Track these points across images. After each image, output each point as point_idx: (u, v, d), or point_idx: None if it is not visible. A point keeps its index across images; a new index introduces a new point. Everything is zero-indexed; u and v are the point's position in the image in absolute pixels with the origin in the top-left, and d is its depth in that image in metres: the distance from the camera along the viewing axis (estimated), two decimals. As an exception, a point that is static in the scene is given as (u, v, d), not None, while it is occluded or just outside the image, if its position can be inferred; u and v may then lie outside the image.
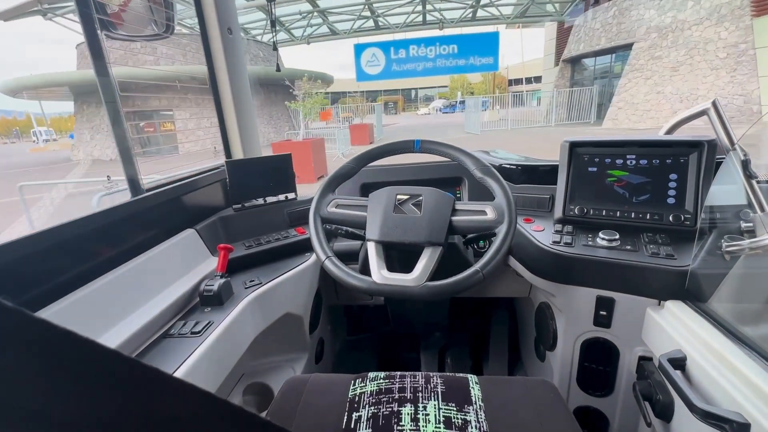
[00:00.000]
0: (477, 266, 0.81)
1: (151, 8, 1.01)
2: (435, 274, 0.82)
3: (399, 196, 0.92)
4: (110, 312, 0.74)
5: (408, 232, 0.86)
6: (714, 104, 0.88)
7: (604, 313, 0.91)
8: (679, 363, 0.69)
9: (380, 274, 0.82)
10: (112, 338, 0.69)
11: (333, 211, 0.96)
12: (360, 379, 0.80)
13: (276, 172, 1.27)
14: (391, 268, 0.85)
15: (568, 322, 1.00)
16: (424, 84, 55.28)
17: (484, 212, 0.86)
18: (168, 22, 1.04)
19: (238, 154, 1.36)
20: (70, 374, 0.16)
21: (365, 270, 0.93)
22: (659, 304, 0.83)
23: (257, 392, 1.13)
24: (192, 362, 0.68)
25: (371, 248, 0.87)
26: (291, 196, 1.31)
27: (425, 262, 0.82)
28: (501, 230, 0.83)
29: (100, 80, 0.88)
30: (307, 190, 1.36)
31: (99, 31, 0.86)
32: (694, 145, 0.92)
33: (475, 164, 0.92)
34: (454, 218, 0.87)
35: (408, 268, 0.83)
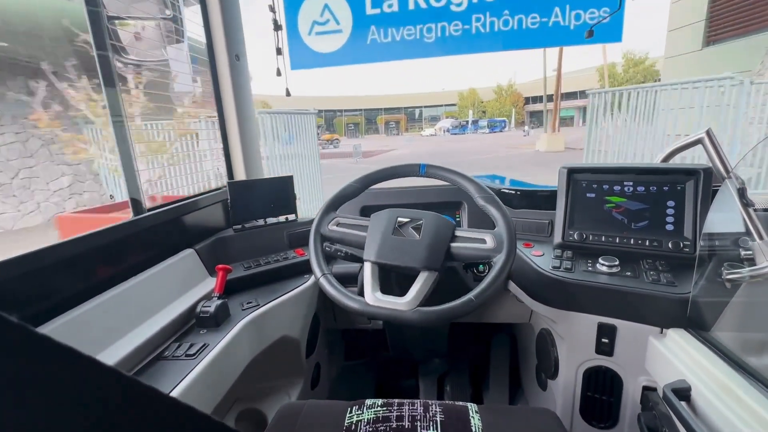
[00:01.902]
0: (471, 294, 0.80)
1: (162, 35, 1.05)
2: (432, 298, 0.81)
3: (400, 219, 0.92)
4: (105, 332, 0.73)
5: (405, 255, 0.85)
6: (708, 133, 0.91)
7: (606, 340, 0.90)
8: (684, 394, 0.67)
9: (373, 296, 0.81)
10: (105, 359, 0.68)
11: (334, 229, 0.95)
12: (357, 407, 0.78)
13: (277, 193, 1.28)
14: (388, 290, 0.84)
15: (569, 349, 0.98)
16: (428, 102, 52.44)
17: (483, 240, 0.85)
18: (179, 48, 1.08)
19: (240, 175, 1.38)
20: (70, 390, 0.16)
21: (363, 292, 0.93)
22: (661, 332, 0.82)
23: (250, 418, 1.10)
24: (184, 386, 0.67)
25: (367, 269, 0.87)
26: (291, 217, 1.32)
27: (419, 286, 0.81)
28: (499, 260, 0.81)
29: (109, 98, 0.91)
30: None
31: (111, 56, 0.89)
32: (690, 173, 0.93)
33: (479, 191, 0.92)
34: (453, 244, 0.86)
35: (404, 291, 0.82)
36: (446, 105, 51.43)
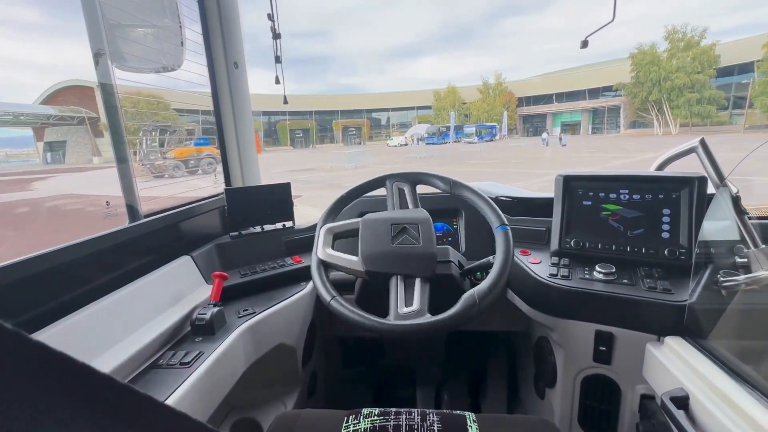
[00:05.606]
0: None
1: (161, 43, 1.06)
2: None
3: (394, 225, 0.90)
4: (100, 339, 0.72)
5: (407, 264, 0.84)
6: (702, 142, 0.92)
7: (604, 348, 0.89)
8: (682, 402, 0.67)
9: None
10: (100, 367, 0.67)
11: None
12: (353, 416, 0.77)
13: (275, 200, 1.28)
14: (370, 305, 0.81)
15: (567, 357, 0.98)
16: (396, 103, 42.64)
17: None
18: (178, 56, 1.08)
19: (237, 182, 1.38)
20: (64, 397, 0.16)
21: (360, 300, 0.92)
22: (659, 340, 0.82)
23: (246, 427, 1.09)
24: (179, 395, 0.66)
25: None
26: (289, 224, 1.31)
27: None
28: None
29: (107, 107, 0.91)
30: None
31: (110, 64, 0.89)
32: (685, 181, 0.94)
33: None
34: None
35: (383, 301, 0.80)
36: (419, 107, 41.29)
